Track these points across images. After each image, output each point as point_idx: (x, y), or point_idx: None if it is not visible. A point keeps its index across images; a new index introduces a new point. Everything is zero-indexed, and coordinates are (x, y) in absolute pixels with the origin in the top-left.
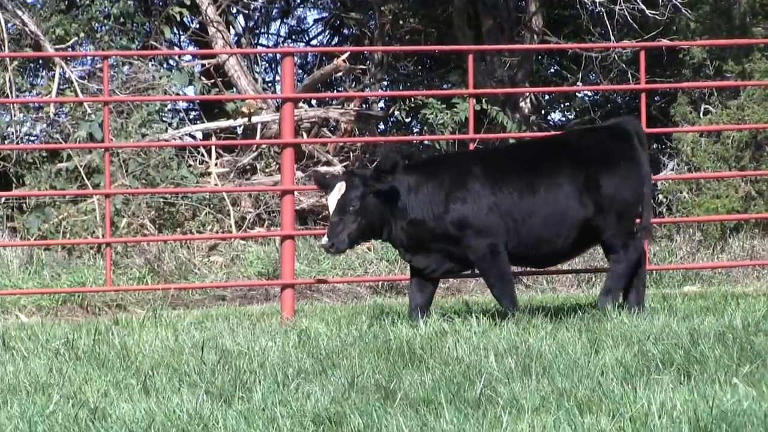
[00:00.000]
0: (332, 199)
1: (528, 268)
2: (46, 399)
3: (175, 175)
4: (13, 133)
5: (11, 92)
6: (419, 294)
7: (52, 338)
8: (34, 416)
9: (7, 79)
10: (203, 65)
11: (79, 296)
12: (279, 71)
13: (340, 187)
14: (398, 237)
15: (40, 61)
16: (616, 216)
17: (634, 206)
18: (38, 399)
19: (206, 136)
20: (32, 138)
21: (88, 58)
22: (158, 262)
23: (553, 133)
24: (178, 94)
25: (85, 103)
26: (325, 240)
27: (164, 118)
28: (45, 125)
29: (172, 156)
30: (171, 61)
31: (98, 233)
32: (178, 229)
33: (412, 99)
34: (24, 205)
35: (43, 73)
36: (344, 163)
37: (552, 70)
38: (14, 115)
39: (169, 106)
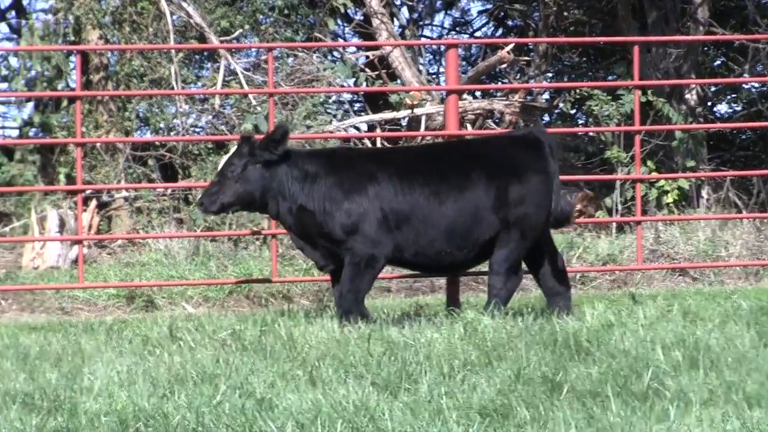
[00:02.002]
0: (221, 163)
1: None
2: (213, 389)
3: None
4: (178, 125)
5: (177, 84)
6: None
7: (218, 329)
8: (201, 406)
9: (173, 71)
10: (367, 57)
11: (245, 287)
12: (443, 63)
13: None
14: (286, 218)
15: (206, 53)
16: (520, 233)
17: (540, 225)
18: (205, 389)
19: (370, 127)
20: (198, 130)
21: (253, 50)
22: None
23: (464, 138)
24: (342, 86)
25: (250, 95)
26: (198, 199)
27: (328, 110)
28: (210, 117)
29: None
30: (335, 53)
31: (264, 225)
32: None
33: (577, 90)
34: (190, 196)
35: (209, 65)
36: None
37: (718, 62)
38: (180, 107)
39: (333, 98)
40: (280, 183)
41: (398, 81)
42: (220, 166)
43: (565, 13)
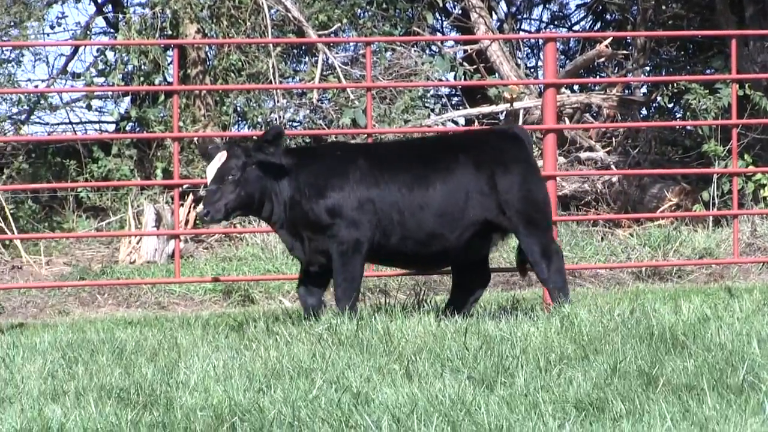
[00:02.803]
0: (211, 168)
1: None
2: (309, 384)
3: None
4: (276, 119)
5: (275, 78)
6: (309, 296)
7: (315, 323)
8: (297, 401)
9: (271, 66)
10: (465, 51)
11: None
12: (541, 57)
13: (220, 156)
14: (279, 216)
15: (303, 48)
16: (523, 217)
17: (543, 204)
18: (301, 384)
19: (468, 121)
20: (295, 124)
21: (351, 44)
22: None
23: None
24: (440, 80)
25: (348, 89)
26: (200, 208)
27: (426, 104)
28: (308, 111)
29: None
30: (433, 47)
31: None
32: None
33: (675, 84)
34: None
35: (306, 59)
36: (606, 149)
37: None
38: (278, 101)
39: (431, 92)
40: (272, 182)
41: (496, 75)
42: (209, 175)
43: (664, 7)
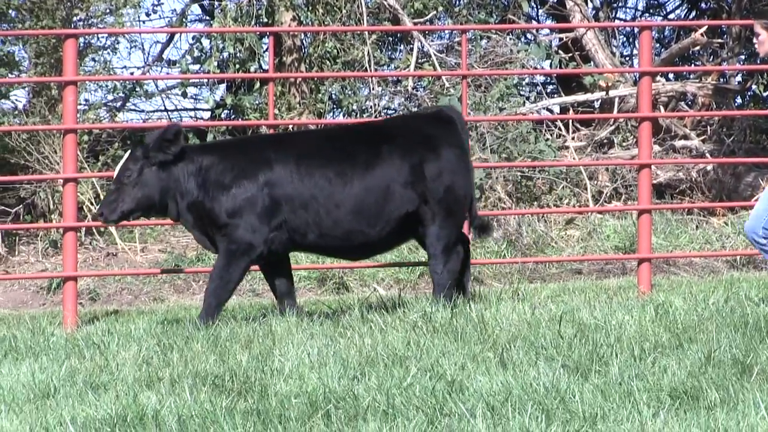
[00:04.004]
0: (117, 168)
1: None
2: (404, 371)
3: (532, 149)
4: (371, 107)
5: (370, 66)
6: (278, 280)
7: (409, 311)
8: (391, 388)
9: (366, 53)
10: (561, 39)
11: None
12: (636, 45)
13: (125, 157)
14: (186, 217)
15: (399, 35)
16: (445, 207)
17: (464, 197)
18: (396, 371)
19: (563, 109)
20: (390, 112)
21: (446, 32)
22: (516, 236)
23: (371, 120)
24: (535, 68)
25: (443, 77)
26: (97, 208)
27: (522, 92)
28: (403, 99)
29: (530, 130)
30: (529, 35)
31: None
32: (535, 203)
33: None
34: None
35: (401, 47)
36: (701, 138)
37: None
38: (373, 89)
39: (526, 80)
40: (176, 182)
41: (591, 63)
42: (115, 174)
43: None
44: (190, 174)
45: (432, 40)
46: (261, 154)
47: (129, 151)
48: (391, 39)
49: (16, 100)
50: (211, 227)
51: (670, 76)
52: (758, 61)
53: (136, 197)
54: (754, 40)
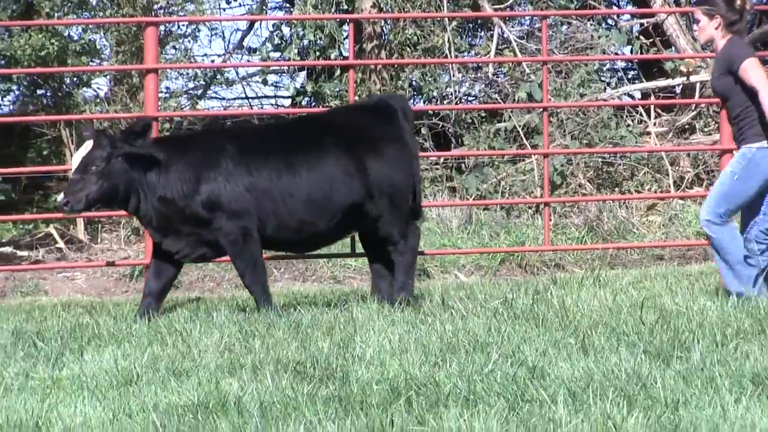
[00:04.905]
0: (77, 157)
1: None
2: (485, 358)
3: (613, 135)
4: (451, 94)
5: (450, 52)
6: (155, 280)
7: (490, 297)
8: (472, 375)
9: (446, 40)
10: (641, 25)
11: (517, 256)
12: None
13: (87, 145)
14: (147, 213)
15: (479, 22)
16: (389, 201)
17: (406, 188)
18: (477, 358)
19: (644, 95)
20: (470, 98)
21: (527, 18)
22: (597, 222)
23: (315, 110)
24: (616, 54)
25: (523, 63)
26: (61, 197)
27: (602, 78)
28: (483, 85)
29: (611, 116)
30: (609, 21)
31: (536, 193)
32: (617, 189)
33: None
34: (463, 165)
35: (482, 34)
36: None
37: None
38: (453, 76)
39: (607, 66)
40: (139, 175)
41: (672, 48)
42: (74, 163)
43: None
44: (153, 168)
45: (512, 27)
46: (220, 144)
47: (93, 139)
48: (471, 25)
49: (98, 88)
50: (192, 225)
51: None
52: None
53: (102, 187)
54: (694, 27)
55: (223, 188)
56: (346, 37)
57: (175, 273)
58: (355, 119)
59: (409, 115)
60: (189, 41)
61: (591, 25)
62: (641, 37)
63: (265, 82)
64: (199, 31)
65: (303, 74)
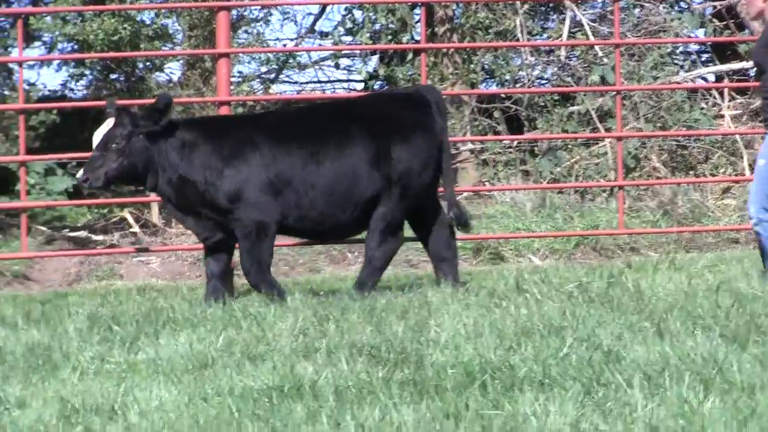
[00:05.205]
0: (98, 134)
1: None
2: (560, 341)
3: (687, 118)
4: (524, 77)
5: (522, 36)
6: (213, 262)
7: (565, 281)
8: (547, 359)
9: (518, 23)
10: (714, 7)
11: (592, 239)
12: None
13: (108, 123)
14: (165, 190)
15: (551, 5)
16: (400, 191)
17: (423, 185)
18: (551, 341)
19: (718, 78)
20: (543, 82)
21: (599, 1)
22: (671, 205)
23: (345, 97)
24: (689, 37)
25: (596, 47)
26: (81, 173)
27: (676, 61)
28: (556, 69)
29: (684, 99)
30: (682, 3)
31: (610, 176)
32: (691, 172)
33: None
34: (536, 148)
35: (554, 17)
36: None
37: None
38: (525, 59)
39: (680, 49)
40: (160, 154)
41: (746, 31)
42: (95, 140)
43: None
44: (173, 148)
45: (585, 10)
46: (248, 133)
47: (114, 117)
48: (543, 8)
49: (171, 72)
50: (210, 210)
51: None
52: None
53: (122, 165)
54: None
55: (246, 181)
56: (418, 21)
57: (231, 250)
58: (384, 107)
59: (442, 109)
60: (261, 25)
61: (663, 8)
62: (714, 20)
63: (337, 66)
64: (271, 15)
65: (375, 58)
